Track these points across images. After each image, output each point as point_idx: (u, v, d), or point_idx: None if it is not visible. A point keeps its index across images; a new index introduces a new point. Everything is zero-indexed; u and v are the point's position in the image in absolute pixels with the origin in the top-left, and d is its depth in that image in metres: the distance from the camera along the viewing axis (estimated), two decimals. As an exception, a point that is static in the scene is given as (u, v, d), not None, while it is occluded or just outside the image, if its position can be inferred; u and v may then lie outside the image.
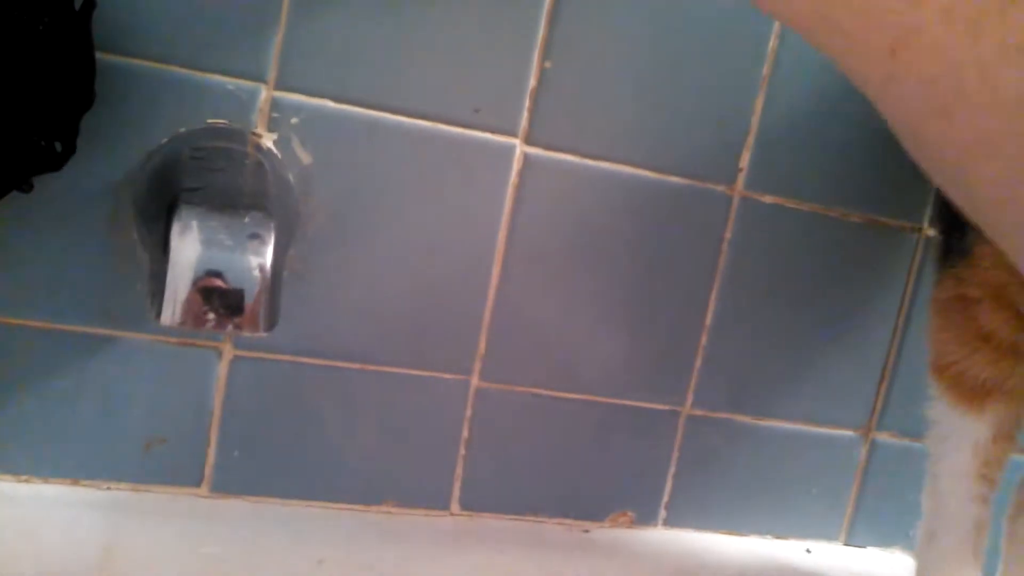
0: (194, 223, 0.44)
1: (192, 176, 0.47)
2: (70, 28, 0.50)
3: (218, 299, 0.43)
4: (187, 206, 0.44)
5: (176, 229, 0.43)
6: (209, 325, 0.43)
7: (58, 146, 0.51)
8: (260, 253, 0.44)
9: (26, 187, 0.50)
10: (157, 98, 0.56)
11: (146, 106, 0.56)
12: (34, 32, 0.48)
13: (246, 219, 0.45)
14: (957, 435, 0.62)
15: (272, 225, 0.45)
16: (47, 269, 0.56)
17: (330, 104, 0.59)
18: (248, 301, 0.44)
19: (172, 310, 0.43)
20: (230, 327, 0.43)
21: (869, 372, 0.74)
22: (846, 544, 0.76)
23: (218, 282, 0.43)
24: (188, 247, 0.43)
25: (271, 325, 0.44)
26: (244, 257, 0.44)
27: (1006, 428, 0.61)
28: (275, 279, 0.44)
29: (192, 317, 0.43)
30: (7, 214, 0.54)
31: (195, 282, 0.43)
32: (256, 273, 0.44)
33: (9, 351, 0.57)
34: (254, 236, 0.44)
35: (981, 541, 0.63)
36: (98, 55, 0.53)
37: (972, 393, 0.61)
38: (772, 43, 0.66)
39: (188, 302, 0.43)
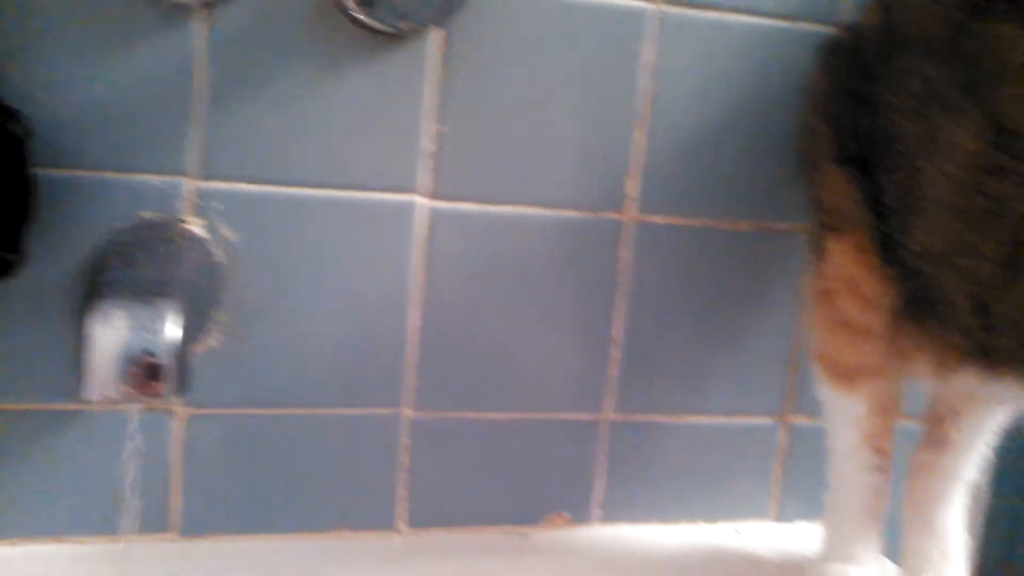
0: (109, 311, 0.52)
1: (112, 270, 0.56)
2: (10, 159, 0.59)
3: (133, 376, 0.52)
4: (103, 298, 0.53)
5: (93, 318, 0.52)
6: (126, 398, 0.51)
7: (11, 257, 0.60)
8: (170, 334, 0.53)
9: (-17, 294, 0.59)
10: (95, 201, 0.65)
11: (86, 209, 0.65)
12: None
13: (157, 306, 0.53)
14: (840, 413, 0.69)
15: (179, 308, 0.53)
16: (15, 359, 0.65)
17: (248, 187, 0.68)
18: (160, 375, 0.52)
19: (93, 388, 0.51)
20: (144, 398, 0.51)
21: (777, 363, 0.81)
22: (777, 521, 0.83)
23: (136, 362, 0.52)
24: (105, 333, 0.52)
25: (181, 392, 0.53)
26: (155, 339, 0.52)
27: (882, 403, 0.68)
28: (183, 355, 0.53)
29: (113, 392, 0.51)
30: (-26, 316, 0.64)
31: (114, 362, 0.52)
32: (165, 351, 0.52)
33: (-8, 432, 0.66)
34: (163, 319, 0.53)
35: (879, 507, 0.69)
36: (40, 170, 0.62)
37: (843, 375, 0.67)
38: (645, 81, 0.73)
39: (107, 381, 0.51)
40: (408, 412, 0.73)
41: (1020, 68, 0.51)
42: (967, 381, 0.59)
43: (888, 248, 0.62)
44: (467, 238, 0.73)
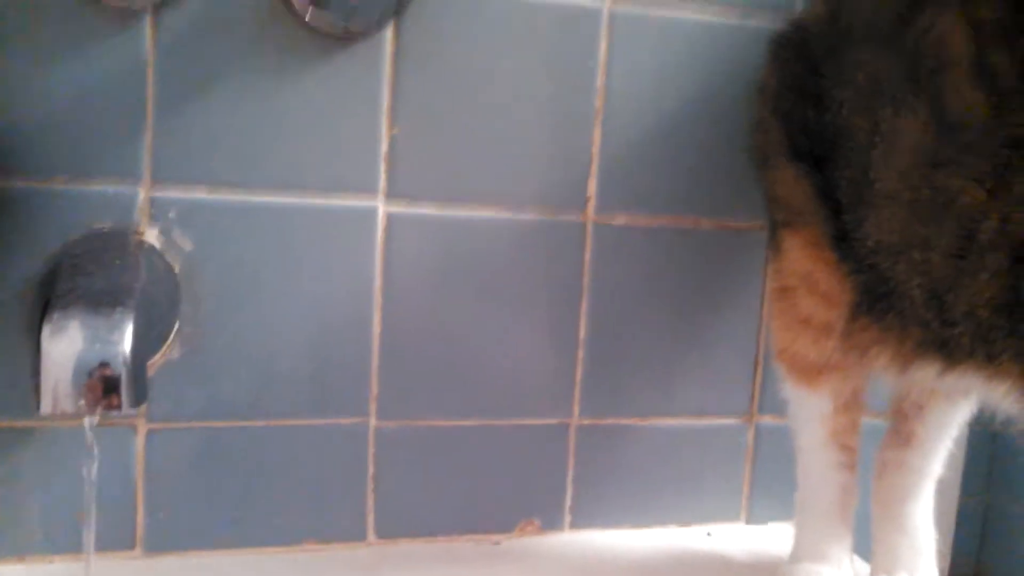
0: (63, 323, 0.51)
1: (65, 281, 0.55)
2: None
3: (89, 389, 0.51)
4: (57, 309, 0.52)
5: (46, 331, 0.51)
6: (82, 410, 0.50)
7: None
8: (123, 344, 0.52)
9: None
10: (46, 212, 0.64)
11: (37, 220, 0.64)
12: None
13: (111, 316, 0.53)
14: (805, 411, 0.69)
15: (132, 319, 0.52)
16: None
17: (203, 194, 0.67)
18: (117, 387, 0.51)
19: (50, 401, 0.50)
20: (99, 409, 0.50)
21: (744, 362, 0.81)
22: (748, 523, 0.83)
23: (92, 374, 0.51)
24: (59, 346, 0.51)
25: (137, 403, 0.52)
26: (111, 350, 0.51)
27: (845, 400, 0.68)
28: (138, 365, 0.52)
29: (69, 405, 0.50)
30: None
31: (69, 374, 0.51)
32: (121, 363, 0.51)
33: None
34: (119, 330, 0.52)
35: (849, 504, 0.69)
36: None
37: (805, 372, 0.67)
38: (600, 79, 0.73)
39: (63, 393, 0.50)
40: (373, 421, 0.72)
41: (961, 59, 0.52)
42: (926, 375, 0.59)
43: (844, 243, 0.62)
44: (424, 241, 0.72)
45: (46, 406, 0.50)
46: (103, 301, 0.53)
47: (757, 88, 0.71)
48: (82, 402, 0.50)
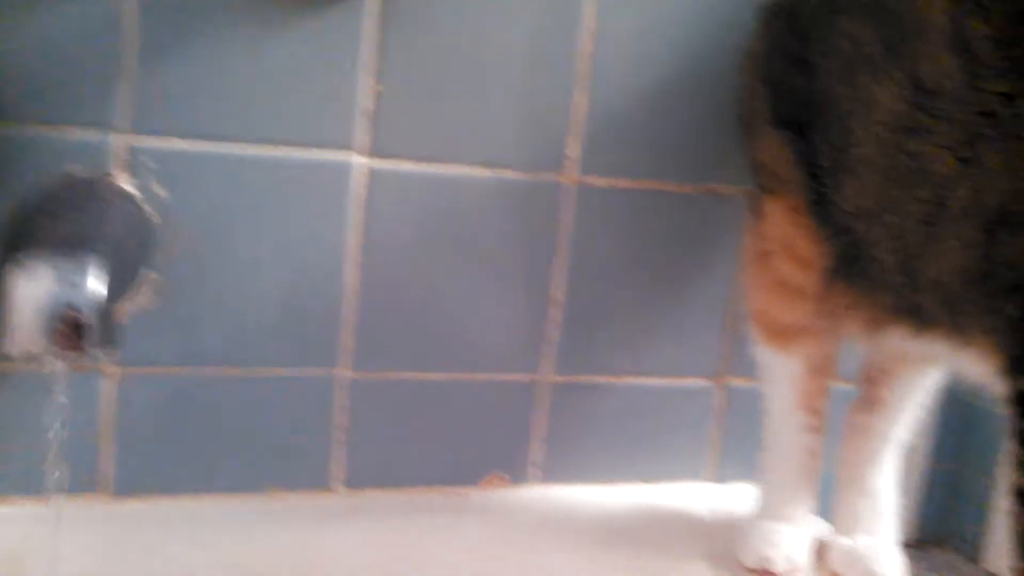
0: (31, 265, 0.51)
1: (35, 224, 0.54)
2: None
3: (57, 332, 0.50)
4: (25, 251, 0.52)
5: (14, 272, 0.51)
6: (48, 352, 0.50)
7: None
8: (95, 289, 0.52)
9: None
10: (18, 155, 0.63)
11: (10, 165, 0.63)
12: None
13: (82, 261, 0.52)
14: (777, 373, 0.69)
15: (105, 265, 0.52)
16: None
17: (180, 142, 0.66)
18: (84, 331, 0.51)
19: (15, 342, 0.50)
20: (66, 352, 0.50)
21: (716, 325, 0.81)
22: (716, 482, 0.84)
23: (60, 317, 0.51)
24: (27, 287, 0.51)
25: (104, 346, 0.52)
26: (80, 294, 0.51)
27: (816, 363, 0.68)
28: (106, 309, 0.52)
29: (35, 347, 0.50)
30: None
31: (36, 316, 0.50)
32: (89, 307, 0.51)
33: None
34: (88, 274, 0.52)
35: (814, 467, 0.70)
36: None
37: (779, 335, 0.68)
38: (586, 44, 0.73)
39: (28, 335, 0.50)
40: (347, 372, 0.73)
41: (938, 27, 0.51)
42: (897, 340, 0.60)
43: (822, 208, 0.62)
44: (406, 197, 0.72)
45: (11, 347, 0.50)
46: (73, 244, 0.53)
47: (747, 55, 0.70)
48: (48, 344, 0.50)
